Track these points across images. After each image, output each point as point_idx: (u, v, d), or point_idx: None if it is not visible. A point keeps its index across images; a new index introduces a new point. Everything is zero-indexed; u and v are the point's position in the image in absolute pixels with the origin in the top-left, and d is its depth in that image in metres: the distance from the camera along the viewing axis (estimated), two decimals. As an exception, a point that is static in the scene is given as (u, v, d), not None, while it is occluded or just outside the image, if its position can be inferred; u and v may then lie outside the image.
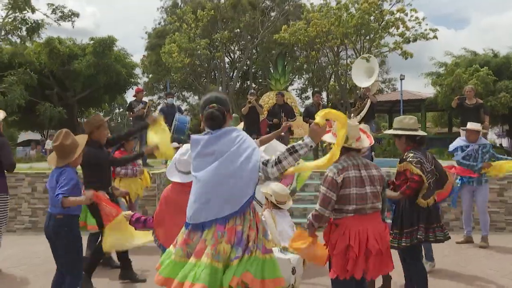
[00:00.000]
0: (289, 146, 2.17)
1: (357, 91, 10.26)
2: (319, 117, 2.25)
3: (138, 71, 24.63)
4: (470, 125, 5.63)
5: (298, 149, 2.13)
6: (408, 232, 3.36)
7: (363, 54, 18.71)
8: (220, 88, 24.67)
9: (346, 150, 2.78)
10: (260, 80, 31.12)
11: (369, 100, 8.78)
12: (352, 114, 9.37)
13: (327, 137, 2.72)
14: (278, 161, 2.11)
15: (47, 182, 3.24)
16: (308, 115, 9.03)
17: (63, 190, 2.96)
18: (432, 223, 3.42)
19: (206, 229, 2.10)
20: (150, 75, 29.83)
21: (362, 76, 9.75)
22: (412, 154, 3.40)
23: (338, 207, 2.72)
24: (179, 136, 7.01)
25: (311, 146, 2.15)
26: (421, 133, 3.51)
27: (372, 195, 2.74)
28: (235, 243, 2.08)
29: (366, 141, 2.86)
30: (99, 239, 4.05)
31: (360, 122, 8.17)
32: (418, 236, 3.34)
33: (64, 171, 3.10)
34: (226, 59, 28.61)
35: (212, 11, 21.36)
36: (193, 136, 2.20)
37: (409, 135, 3.47)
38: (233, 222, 2.08)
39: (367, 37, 18.65)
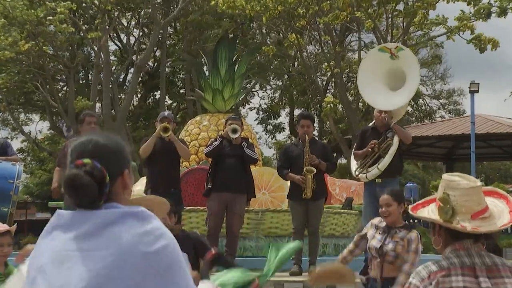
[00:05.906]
0: None
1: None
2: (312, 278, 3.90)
3: None
4: None
5: None
6: None
7: (391, 41, 18.32)
8: (99, 106, 25.28)
9: (452, 236, 3.23)
10: (182, 91, 31.92)
11: (396, 136, 9.04)
12: (355, 166, 9.72)
13: (424, 212, 3.36)
14: None
15: None
16: (288, 163, 9.48)
17: None
18: None
19: None
20: None
21: (381, 87, 10.08)
22: None
23: None
24: None
25: None
26: None
27: None
28: None
29: (504, 217, 3.29)
30: None
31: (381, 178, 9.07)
32: None
33: None
34: (112, 46, 30.37)
35: None
36: (59, 211, 2.52)
37: None
38: None
39: (400, 8, 19.56)
